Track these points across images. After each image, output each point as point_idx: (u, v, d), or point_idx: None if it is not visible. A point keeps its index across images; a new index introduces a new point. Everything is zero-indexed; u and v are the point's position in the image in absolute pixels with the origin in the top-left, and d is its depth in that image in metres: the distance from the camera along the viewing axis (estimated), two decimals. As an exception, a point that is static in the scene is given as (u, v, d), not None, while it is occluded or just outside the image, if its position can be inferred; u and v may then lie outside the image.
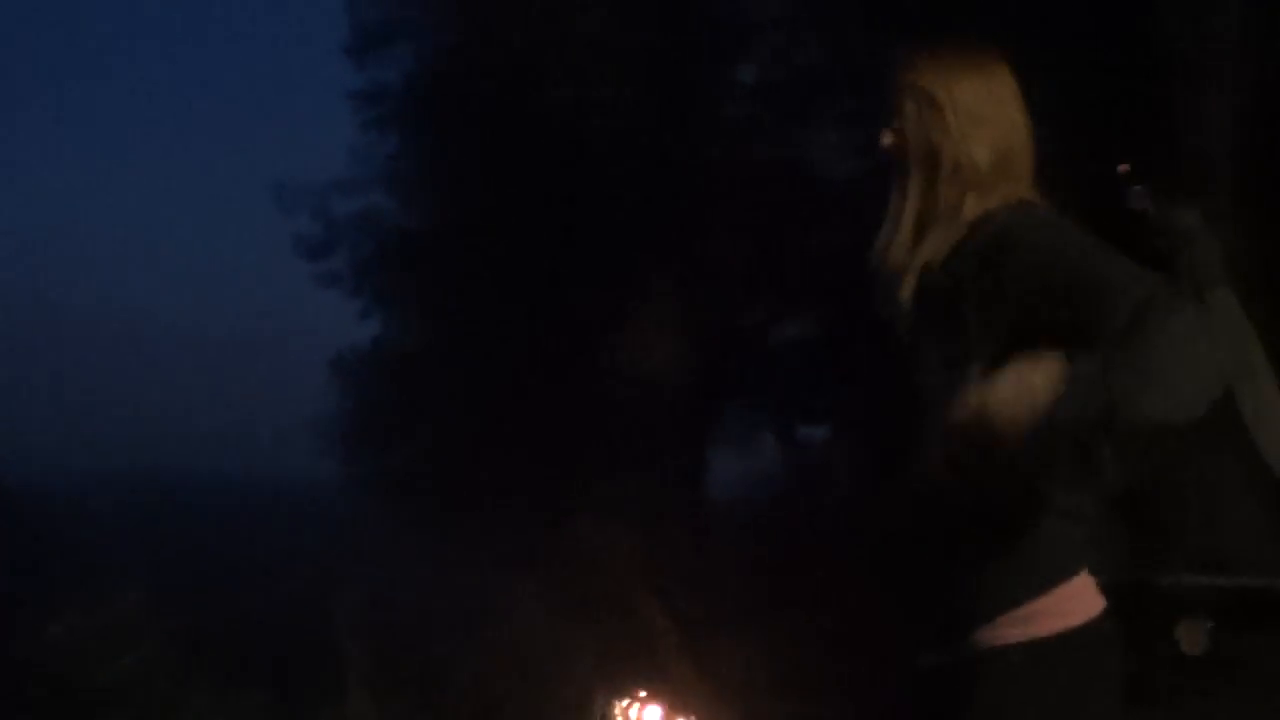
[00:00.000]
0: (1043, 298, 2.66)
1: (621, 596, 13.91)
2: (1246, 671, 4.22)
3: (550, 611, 13.62)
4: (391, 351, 20.25)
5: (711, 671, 13.34)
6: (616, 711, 13.04)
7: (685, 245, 18.92)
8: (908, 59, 2.93)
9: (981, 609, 2.75)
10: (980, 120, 2.83)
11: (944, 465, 2.71)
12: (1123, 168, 3.49)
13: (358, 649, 11.05)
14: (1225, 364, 2.66)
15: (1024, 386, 2.57)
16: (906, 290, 2.84)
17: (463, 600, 14.70)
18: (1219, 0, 11.10)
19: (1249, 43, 11.29)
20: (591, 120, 16.66)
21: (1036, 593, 2.75)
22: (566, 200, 17.45)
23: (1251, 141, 11.33)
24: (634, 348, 18.80)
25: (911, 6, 14.16)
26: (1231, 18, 11.12)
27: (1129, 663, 2.95)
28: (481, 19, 16.34)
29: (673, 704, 13.12)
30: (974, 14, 12.51)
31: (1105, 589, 2.88)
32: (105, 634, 10.14)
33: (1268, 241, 9.39)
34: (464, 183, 18.56)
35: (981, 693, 2.77)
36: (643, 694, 13.08)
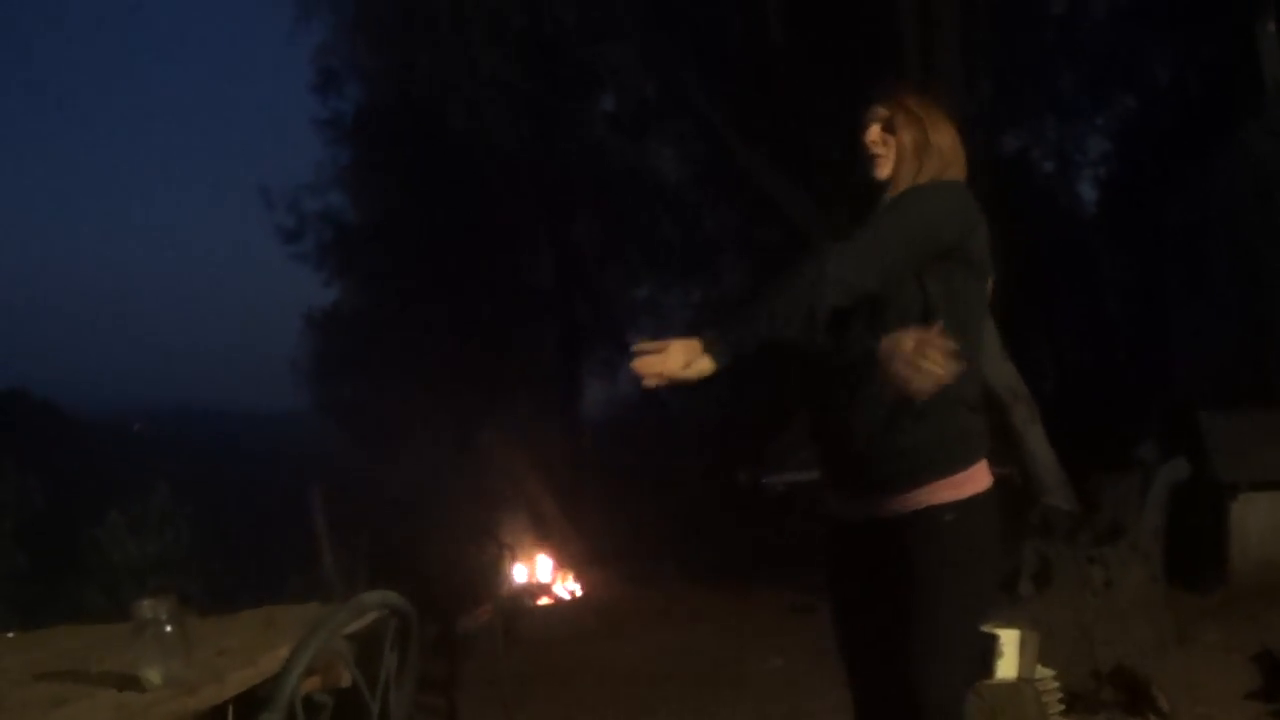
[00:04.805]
0: None
1: (519, 488, 14.14)
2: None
3: (468, 499, 13.82)
4: (347, 311, 20.34)
5: (583, 538, 13.67)
6: (520, 563, 13.37)
7: (555, 229, 19.20)
8: (896, 93, 3.09)
9: (924, 474, 2.83)
10: (939, 128, 3.03)
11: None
12: None
13: (325, 529, 11.15)
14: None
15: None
16: None
17: (401, 493, 14.86)
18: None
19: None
20: (488, 139, 16.75)
21: (965, 465, 2.86)
22: (470, 198, 17.59)
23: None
24: (522, 303, 19.05)
25: (718, 52, 14.41)
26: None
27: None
28: (409, 67, 16.39)
29: (558, 559, 13.46)
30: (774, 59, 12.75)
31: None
32: (144, 520, 10.19)
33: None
34: (398, 187, 18.63)
35: (919, 539, 2.83)
36: (537, 553, 13.42)
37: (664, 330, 20.15)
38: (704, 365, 2.65)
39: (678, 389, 2.71)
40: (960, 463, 2.88)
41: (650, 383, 2.64)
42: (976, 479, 2.90)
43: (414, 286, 18.45)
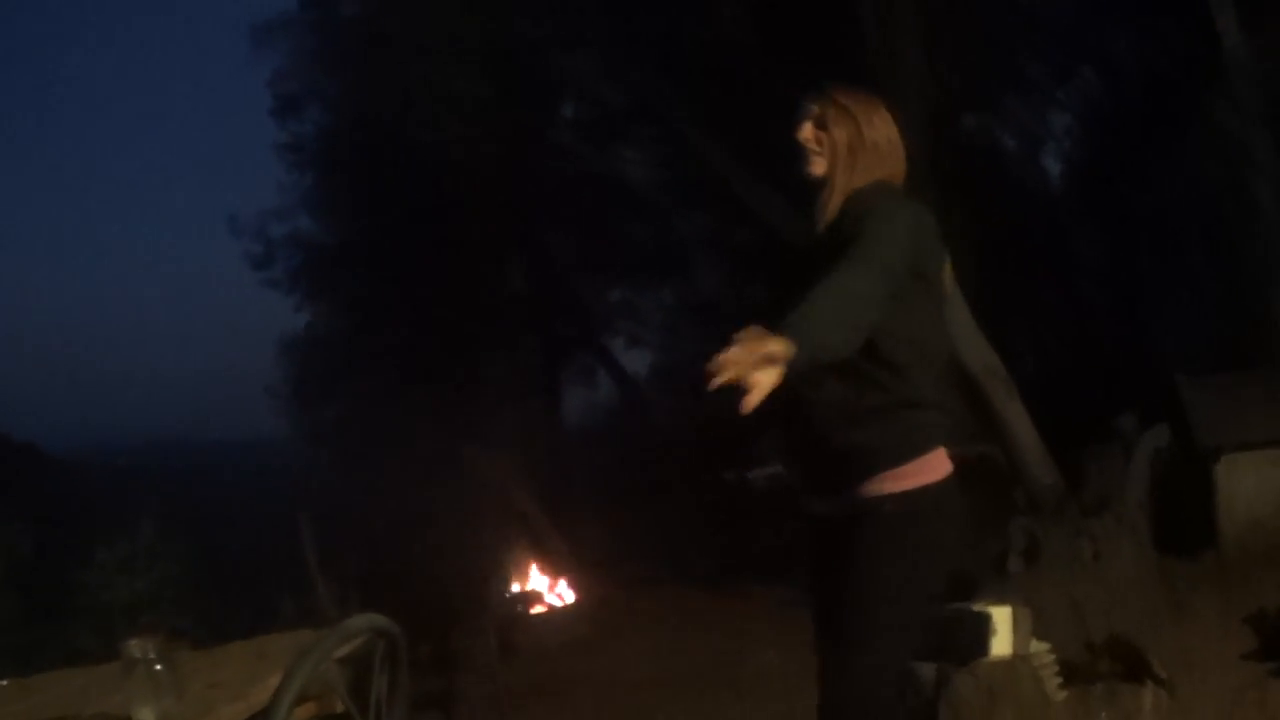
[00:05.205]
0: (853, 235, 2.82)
1: (507, 500, 14.12)
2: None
3: (455, 515, 13.78)
4: (320, 334, 20.27)
5: (574, 546, 13.66)
6: (512, 574, 13.35)
7: (527, 239, 19.18)
8: (828, 89, 3.09)
9: (867, 469, 2.90)
10: (873, 123, 3.05)
11: None
12: None
13: (315, 555, 11.13)
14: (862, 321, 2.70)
15: None
16: (823, 224, 3.00)
17: (389, 513, 14.81)
18: None
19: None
20: (452, 154, 16.69)
21: (910, 458, 2.91)
22: (438, 213, 17.53)
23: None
24: (496, 316, 18.99)
25: (678, 58, 14.40)
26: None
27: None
28: (368, 85, 16.33)
29: (548, 568, 13.45)
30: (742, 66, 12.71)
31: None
32: (131, 559, 10.16)
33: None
34: (364, 206, 18.57)
35: (862, 530, 2.90)
36: (529, 563, 13.40)
37: (641, 332, 20.38)
38: (772, 378, 2.41)
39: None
40: (906, 457, 2.94)
41: (717, 381, 2.36)
42: (923, 472, 2.95)
43: (388, 305, 18.41)
